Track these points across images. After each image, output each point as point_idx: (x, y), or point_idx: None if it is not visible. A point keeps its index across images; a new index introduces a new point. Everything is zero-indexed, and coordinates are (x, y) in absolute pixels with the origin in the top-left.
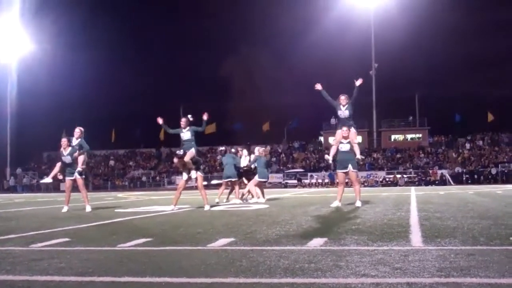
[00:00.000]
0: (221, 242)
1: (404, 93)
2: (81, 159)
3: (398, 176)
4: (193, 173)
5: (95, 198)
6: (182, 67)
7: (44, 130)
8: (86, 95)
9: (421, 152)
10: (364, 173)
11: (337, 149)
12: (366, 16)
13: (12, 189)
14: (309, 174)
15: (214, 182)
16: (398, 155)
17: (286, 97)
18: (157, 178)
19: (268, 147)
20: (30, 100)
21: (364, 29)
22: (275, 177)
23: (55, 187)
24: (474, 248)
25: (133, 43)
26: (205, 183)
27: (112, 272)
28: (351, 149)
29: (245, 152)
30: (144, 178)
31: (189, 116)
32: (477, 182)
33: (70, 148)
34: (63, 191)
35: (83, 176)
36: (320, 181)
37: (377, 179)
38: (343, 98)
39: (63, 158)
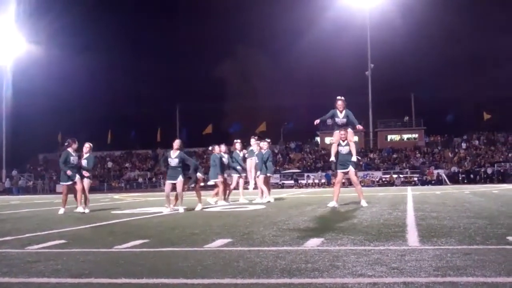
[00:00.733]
0: (218, 243)
1: (400, 93)
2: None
3: (395, 176)
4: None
5: (92, 199)
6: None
7: (39, 132)
8: (82, 96)
9: (417, 152)
10: (360, 173)
11: (338, 150)
12: (362, 16)
13: (8, 191)
14: (305, 174)
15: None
16: (395, 155)
17: (283, 97)
18: (154, 179)
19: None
20: (26, 102)
21: (360, 29)
22: (272, 178)
23: (51, 189)
24: (470, 248)
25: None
26: (202, 184)
27: (108, 273)
28: (350, 151)
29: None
30: (140, 180)
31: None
32: (473, 181)
33: (87, 155)
34: (59, 193)
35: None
36: (316, 181)
37: (374, 179)
38: (340, 103)
39: (75, 160)
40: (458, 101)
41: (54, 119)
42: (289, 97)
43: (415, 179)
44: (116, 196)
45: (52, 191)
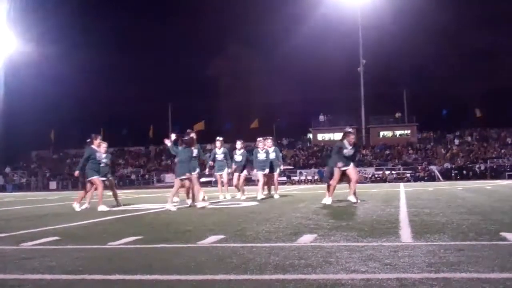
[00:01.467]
0: (211, 239)
1: (393, 89)
2: None
3: (387, 172)
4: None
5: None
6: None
7: (32, 129)
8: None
9: (409, 148)
10: None
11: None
12: (354, 12)
13: (1, 188)
14: (298, 171)
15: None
16: (387, 152)
17: (275, 94)
18: (146, 176)
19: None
20: (18, 99)
21: (352, 25)
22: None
23: (44, 186)
24: (463, 244)
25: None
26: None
27: (102, 270)
28: (355, 153)
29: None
30: (133, 176)
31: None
32: (466, 178)
33: (108, 155)
34: (52, 190)
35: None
36: (309, 178)
37: (366, 176)
38: (352, 137)
39: (101, 157)
40: (451, 97)
41: (47, 117)
42: (281, 93)
43: (408, 175)
44: (109, 193)
45: (46, 188)
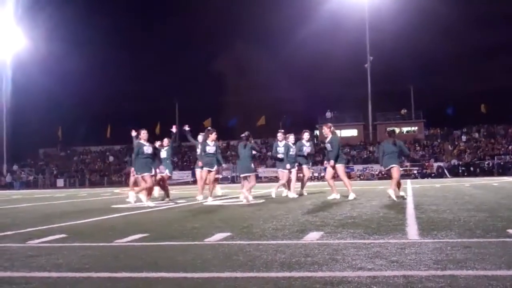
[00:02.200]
0: (218, 236)
1: (400, 86)
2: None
3: None
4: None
5: (92, 194)
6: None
7: (40, 126)
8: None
9: (417, 145)
10: (360, 167)
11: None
12: (361, 9)
13: (9, 186)
14: None
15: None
16: None
17: (281, 91)
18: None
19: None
20: (26, 97)
21: (359, 22)
22: (271, 171)
23: (51, 183)
24: (470, 241)
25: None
26: None
27: (108, 267)
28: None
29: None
30: None
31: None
32: (473, 174)
33: (167, 147)
34: (59, 187)
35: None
36: (316, 174)
37: (373, 173)
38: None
39: (149, 150)
40: (458, 93)
41: (54, 114)
42: (287, 90)
43: (415, 172)
44: (117, 190)
45: (53, 185)
